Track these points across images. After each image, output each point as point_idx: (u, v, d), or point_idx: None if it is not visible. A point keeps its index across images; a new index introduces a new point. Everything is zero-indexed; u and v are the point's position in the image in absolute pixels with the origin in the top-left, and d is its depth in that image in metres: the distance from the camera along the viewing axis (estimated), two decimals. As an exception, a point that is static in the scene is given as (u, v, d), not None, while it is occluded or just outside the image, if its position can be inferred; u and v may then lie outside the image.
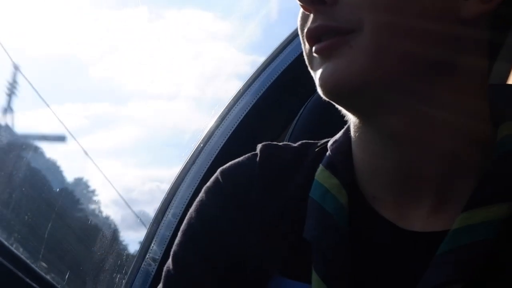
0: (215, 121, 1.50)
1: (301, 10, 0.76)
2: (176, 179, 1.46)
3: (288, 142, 1.21)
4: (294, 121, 1.28)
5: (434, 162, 0.74)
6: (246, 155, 0.89)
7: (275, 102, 1.49)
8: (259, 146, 0.88)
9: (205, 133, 1.50)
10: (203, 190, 0.88)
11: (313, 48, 0.73)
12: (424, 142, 0.73)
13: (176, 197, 1.43)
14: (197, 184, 1.42)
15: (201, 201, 0.87)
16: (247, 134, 1.46)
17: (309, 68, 0.77)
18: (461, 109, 0.74)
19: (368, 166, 0.78)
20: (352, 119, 0.78)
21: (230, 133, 1.45)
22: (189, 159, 1.47)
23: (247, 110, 1.47)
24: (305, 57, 0.77)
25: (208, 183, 0.88)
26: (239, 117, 1.46)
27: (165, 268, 0.85)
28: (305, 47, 0.76)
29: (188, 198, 1.41)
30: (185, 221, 0.86)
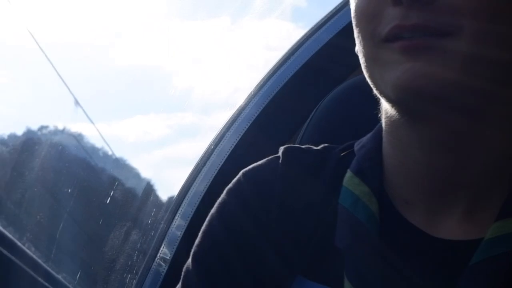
0: (229, 122, 1.50)
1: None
2: (186, 180, 1.46)
3: (301, 141, 1.21)
4: (306, 123, 1.28)
5: (472, 171, 0.73)
6: (268, 158, 0.88)
7: (283, 108, 1.49)
8: (281, 148, 0.88)
9: (217, 133, 1.50)
10: (225, 192, 0.87)
11: (395, 43, 0.68)
12: (468, 151, 0.73)
13: (187, 198, 1.44)
14: (208, 184, 1.43)
15: (223, 202, 0.86)
16: (259, 135, 1.46)
17: (365, 62, 0.74)
18: (510, 122, 0.73)
19: (403, 170, 0.77)
20: (393, 120, 0.76)
21: (241, 134, 1.46)
22: (200, 161, 1.47)
23: (260, 110, 1.47)
24: (365, 51, 0.73)
25: (230, 185, 0.87)
26: (252, 117, 1.47)
27: (184, 268, 0.85)
28: (371, 39, 0.71)
29: (199, 200, 1.41)
30: (206, 222, 0.86)
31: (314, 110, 1.26)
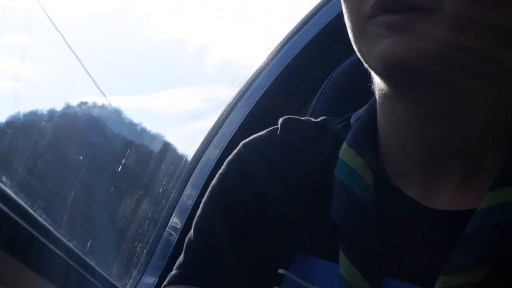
0: (239, 93, 1.50)
1: None
2: (198, 149, 1.46)
3: (312, 113, 1.21)
4: (317, 95, 1.28)
5: (466, 141, 0.73)
6: (268, 129, 0.89)
7: (295, 79, 1.49)
8: (280, 119, 0.88)
9: (227, 104, 1.50)
10: (225, 163, 0.88)
11: (379, 18, 0.68)
12: (461, 120, 0.73)
13: (198, 167, 1.44)
14: (220, 154, 1.43)
15: (223, 172, 0.87)
16: (268, 108, 1.46)
17: (353, 36, 0.74)
18: (507, 88, 0.72)
19: (397, 142, 0.78)
20: (385, 93, 0.76)
21: (251, 107, 1.45)
22: (212, 130, 1.47)
23: (268, 86, 1.47)
24: (353, 26, 0.73)
25: (231, 156, 0.88)
26: (261, 91, 1.46)
27: (186, 239, 0.86)
28: (358, 15, 0.72)
29: (210, 169, 1.42)
30: (207, 193, 0.87)
31: (325, 82, 1.25)
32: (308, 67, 1.49)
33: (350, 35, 0.74)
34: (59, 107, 1.71)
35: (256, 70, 1.50)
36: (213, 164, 1.42)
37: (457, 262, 0.70)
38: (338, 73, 1.25)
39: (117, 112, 1.72)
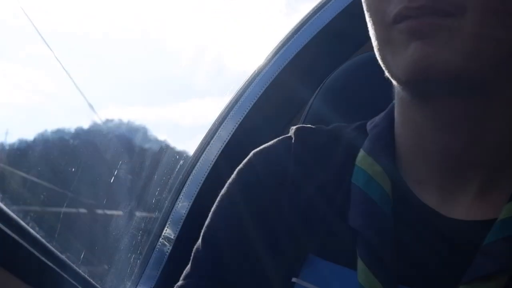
0: (231, 101, 1.50)
1: None
2: (190, 161, 1.46)
3: (306, 118, 1.21)
4: (312, 98, 1.28)
5: (485, 150, 0.73)
6: (279, 138, 0.89)
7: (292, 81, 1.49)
8: (292, 128, 0.88)
9: (220, 113, 1.50)
10: (235, 172, 0.87)
11: (402, 24, 0.68)
12: (481, 129, 0.72)
13: (191, 178, 1.44)
14: (211, 166, 1.42)
15: (233, 182, 0.86)
16: (261, 116, 1.46)
17: (377, 44, 0.73)
18: None
19: (415, 150, 0.77)
20: (405, 101, 0.76)
21: (243, 115, 1.45)
22: (204, 140, 1.47)
23: (259, 94, 1.47)
24: (377, 35, 0.73)
25: (241, 165, 0.87)
26: (252, 101, 1.46)
27: (194, 250, 0.85)
28: (381, 23, 0.72)
29: (203, 180, 1.41)
30: (216, 203, 0.86)
31: (321, 84, 1.25)
32: (306, 67, 1.49)
33: (374, 44, 0.74)
34: (86, 124, 1.73)
35: (250, 77, 1.51)
36: (206, 174, 1.42)
37: (477, 271, 0.70)
38: (334, 76, 1.25)
39: (143, 129, 1.72)
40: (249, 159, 0.87)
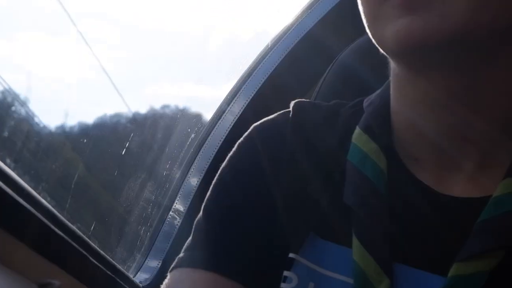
0: (242, 77, 1.49)
1: None
2: (202, 134, 1.46)
3: (317, 94, 1.21)
4: (322, 78, 1.27)
5: (481, 126, 0.73)
6: (279, 112, 0.89)
7: (301, 62, 1.48)
8: (292, 103, 0.88)
9: (231, 88, 1.50)
10: (236, 145, 0.88)
11: (394, 1, 0.68)
12: (476, 105, 0.72)
13: (202, 152, 1.44)
14: (223, 139, 1.43)
15: (233, 155, 0.87)
16: (273, 92, 1.45)
17: (366, 21, 0.73)
18: None
19: (411, 127, 0.77)
20: (400, 77, 0.76)
21: (255, 90, 1.45)
22: (215, 115, 1.47)
23: (272, 70, 1.46)
24: (366, 10, 0.73)
25: (241, 139, 0.88)
26: (264, 77, 1.46)
27: (195, 222, 0.85)
28: (372, 1, 0.71)
29: (214, 153, 1.42)
30: (216, 176, 0.86)
31: (330, 65, 1.25)
32: (319, 43, 1.49)
33: (364, 20, 0.74)
34: (143, 110, 1.73)
35: (262, 52, 1.50)
36: (217, 147, 1.42)
37: (472, 249, 0.70)
38: (343, 56, 1.25)
39: (197, 116, 1.72)
40: (249, 133, 0.88)
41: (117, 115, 1.69)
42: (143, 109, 1.74)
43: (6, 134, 1.31)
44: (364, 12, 0.73)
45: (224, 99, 1.48)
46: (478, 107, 0.72)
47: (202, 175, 1.41)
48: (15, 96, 1.37)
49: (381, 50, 0.73)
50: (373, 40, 0.73)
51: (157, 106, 1.76)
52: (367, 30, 0.74)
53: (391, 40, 0.68)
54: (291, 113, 0.87)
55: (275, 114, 0.89)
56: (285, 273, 0.78)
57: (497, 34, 0.68)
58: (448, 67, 0.69)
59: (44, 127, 1.47)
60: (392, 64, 0.76)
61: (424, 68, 0.71)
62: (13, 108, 1.37)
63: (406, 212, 0.76)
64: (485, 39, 0.67)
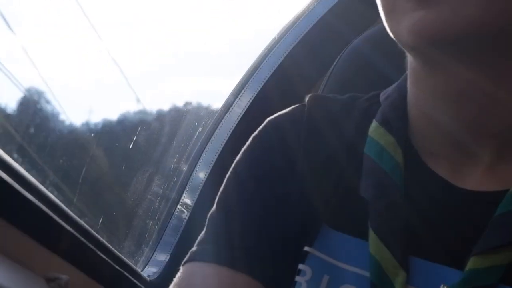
0: (247, 74, 1.49)
1: None
2: (208, 129, 1.46)
3: (325, 87, 1.21)
4: (329, 71, 1.27)
5: (498, 120, 0.72)
6: (295, 106, 0.88)
7: (309, 53, 1.48)
8: (307, 97, 0.88)
9: (237, 84, 1.49)
10: (250, 139, 0.88)
11: None
12: (493, 99, 0.71)
13: (209, 145, 1.44)
14: (230, 133, 1.42)
15: (248, 148, 0.87)
16: (279, 86, 1.45)
17: (383, 14, 0.72)
18: None
19: (427, 121, 0.77)
20: (416, 71, 0.76)
21: (261, 86, 1.45)
22: (222, 109, 1.47)
23: (279, 63, 1.46)
24: (383, 3, 0.72)
25: (256, 132, 0.88)
26: (269, 72, 1.46)
27: (209, 215, 0.85)
28: None
29: (221, 147, 1.42)
30: (231, 169, 0.86)
31: (337, 58, 1.24)
32: (320, 42, 1.48)
33: (381, 13, 0.73)
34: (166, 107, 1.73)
35: (270, 43, 1.50)
36: (225, 141, 1.42)
37: (489, 242, 0.69)
38: (350, 49, 1.24)
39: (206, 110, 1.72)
40: (263, 126, 0.88)
41: (125, 111, 1.69)
42: (152, 104, 1.74)
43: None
44: (381, 5, 0.72)
45: (232, 92, 1.48)
46: (496, 99, 0.71)
47: (210, 168, 1.41)
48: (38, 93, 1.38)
49: (398, 44, 0.73)
50: (390, 34, 0.73)
51: (166, 100, 1.77)
52: (385, 24, 0.73)
53: (407, 34, 0.67)
54: (306, 107, 0.86)
55: (290, 108, 0.89)
56: (300, 266, 0.78)
57: (510, 28, 0.66)
58: (464, 61, 0.68)
59: (50, 121, 1.48)
60: (409, 58, 0.76)
61: (440, 62, 0.70)
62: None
63: (423, 205, 0.76)
64: (500, 32, 0.66)
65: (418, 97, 0.78)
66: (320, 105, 0.86)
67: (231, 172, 0.86)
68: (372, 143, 0.79)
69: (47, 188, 0.79)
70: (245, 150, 0.87)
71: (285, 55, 1.47)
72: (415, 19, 0.66)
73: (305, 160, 0.82)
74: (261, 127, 0.88)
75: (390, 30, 0.72)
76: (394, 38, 0.72)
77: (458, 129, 0.74)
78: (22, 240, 0.74)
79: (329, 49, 1.44)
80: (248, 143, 0.87)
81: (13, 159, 0.71)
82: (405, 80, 0.81)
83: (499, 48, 0.68)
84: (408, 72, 0.78)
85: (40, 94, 1.38)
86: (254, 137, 0.87)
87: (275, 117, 0.88)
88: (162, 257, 1.38)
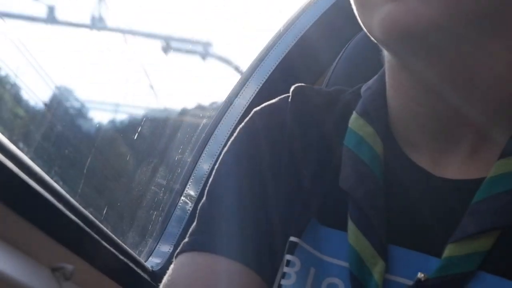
0: (252, 65, 1.49)
1: None
2: (212, 123, 1.46)
3: (329, 82, 1.21)
4: (333, 65, 1.27)
5: (477, 108, 0.73)
6: (280, 96, 0.89)
7: (312, 47, 1.48)
8: (292, 87, 0.88)
9: (241, 76, 1.49)
10: (237, 130, 0.88)
11: None
12: (472, 88, 0.71)
13: (213, 137, 1.44)
14: (234, 125, 1.43)
15: (235, 139, 0.88)
16: (282, 80, 1.45)
17: (355, 9, 0.73)
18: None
19: (406, 112, 0.77)
20: (392, 64, 0.76)
21: (265, 78, 1.45)
22: (227, 101, 1.47)
23: (283, 56, 1.46)
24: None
25: (243, 123, 0.88)
26: (274, 64, 1.46)
27: (199, 206, 0.86)
28: None
29: (226, 138, 1.42)
30: (219, 160, 0.87)
31: (341, 52, 1.24)
32: (325, 35, 1.48)
33: (354, 9, 0.73)
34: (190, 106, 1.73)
35: (273, 37, 1.50)
36: (229, 132, 1.42)
37: (466, 230, 0.70)
38: (353, 44, 1.24)
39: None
40: (250, 117, 0.88)
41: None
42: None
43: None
44: (354, 2, 0.73)
45: (236, 84, 1.48)
46: (471, 90, 0.71)
47: (214, 160, 1.41)
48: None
49: (371, 38, 0.73)
50: (364, 29, 0.73)
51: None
52: (358, 18, 0.73)
53: (377, 29, 0.67)
54: (290, 97, 0.87)
55: (276, 99, 0.89)
56: (288, 257, 0.78)
57: (483, 18, 0.66)
58: (436, 53, 0.68)
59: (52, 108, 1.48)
60: (385, 51, 0.76)
61: (413, 55, 0.70)
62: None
63: (402, 195, 0.76)
64: (471, 24, 0.66)
65: (395, 88, 0.78)
66: (304, 96, 0.87)
67: (219, 163, 0.87)
68: (352, 134, 0.80)
69: (52, 178, 0.80)
70: (232, 141, 0.88)
71: (290, 46, 1.47)
72: (385, 13, 0.66)
73: (290, 151, 0.83)
74: (247, 118, 0.89)
75: (363, 25, 0.72)
76: (368, 34, 0.72)
77: (435, 119, 0.75)
78: (28, 230, 0.74)
79: (334, 41, 1.44)
80: (235, 133, 0.88)
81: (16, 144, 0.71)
82: (385, 72, 0.81)
83: (469, 40, 0.68)
84: (385, 64, 0.79)
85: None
86: (240, 128, 0.88)
87: (261, 108, 0.89)
88: (166, 248, 1.39)
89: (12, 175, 0.68)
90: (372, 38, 0.72)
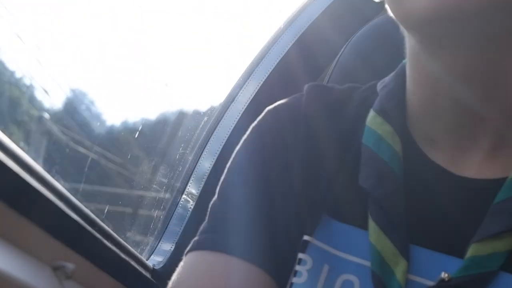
0: (252, 64, 1.49)
1: None
2: (214, 118, 1.46)
3: (330, 78, 1.21)
4: (334, 63, 1.27)
5: (499, 104, 0.72)
6: (294, 95, 0.88)
7: (314, 44, 1.48)
8: (305, 86, 0.88)
9: (241, 74, 1.49)
10: (250, 129, 0.88)
11: None
12: (499, 82, 0.71)
13: (214, 135, 1.44)
14: (235, 123, 1.42)
15: (248, 138, 0.87)
16: (284, 78, 1.45)
17: None
18: None
19: (427, 107, 0.77)
20: (419, 56, 0.74)
21: (265, 76, 1.45)
22: (227, 99, 1.47)
23: (284, 52, 1.46)
24: None
25: (255, 122, 0.88)
26: (273, 64, 1.45)
27: (210, 205, 0.86)
28: None
29: (227, 137, 1.42)
30: (231, 159, 0.87)
31: (342, 49, 1.24)
32: (325, 32, 1.48)
33: None
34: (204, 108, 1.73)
35: (276, 32, 1.49)
36: (230, 130, 1.42)
37: (488, 230, 0.70)
38: (355, 39, 1.24)
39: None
40: (263, 116, 0.88)
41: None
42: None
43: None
44: None
45: (237, 82, 1.48)
46: (497, 84, 0.71)
47: (215, 158, 1.41)
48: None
49: (401, 26, 0.72)
50: (392, 16, 0.71)
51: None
52: (387, 6, 0.72)
53: (409, 13, 0.65)
54: (304, 96, 0.86)
55: (289, 97, 0.89)
56: (300, 255, 0.78)
57: None
58: (467, 41, 0.67)
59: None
60: (411, 42, 0.75)
61: (441, 42, 0.68)
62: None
63: (422, 194, 0.76)
64: (507, 14, 0.64)
65: (417, 82, 0.77)
66: (318, 94, 0.86)
67: (231, 162, 0.87)
68: (370, 133, 0.80)
69: (53, 177, 0.80)
70: (245, 140, 0.87)
71: (290, 45, 1.47)
72: None
73: (303, 149, 0.82)
74: (260, 116, 0.88)
75: (393, 11, 0.70)
76: (399, 19, 0.70)
77: (458, 114, 0.74)
78: (29, 229, 0.74)
79: (334, 39, 1.43)
80: (248, 132, 0.88)
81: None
82: (403, 68, 0.81)
83: (508, 27, 0.66)
84: (408, 57, 0.78)
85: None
86: (253, 127, 0.88)
87: (274, 107, 0.88)
88: (167, 246, 1.39)
89: (13, 174, 0.68)
90: (405, 25, 0.70)
